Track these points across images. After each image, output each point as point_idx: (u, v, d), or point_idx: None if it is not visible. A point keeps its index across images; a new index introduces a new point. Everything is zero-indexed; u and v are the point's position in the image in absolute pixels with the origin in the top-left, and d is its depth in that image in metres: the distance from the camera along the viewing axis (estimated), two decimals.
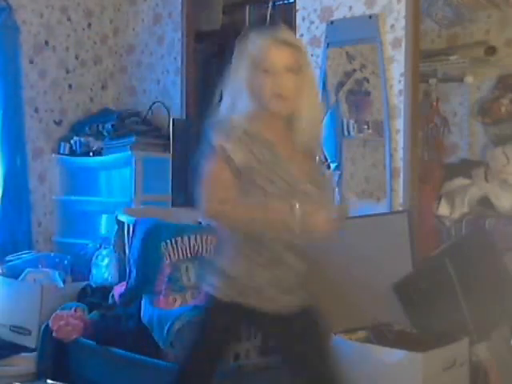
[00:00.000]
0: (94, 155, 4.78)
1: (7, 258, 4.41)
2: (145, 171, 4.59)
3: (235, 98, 2.31)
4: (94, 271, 4.20)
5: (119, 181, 4.75)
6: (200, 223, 3.70)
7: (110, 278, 4.10)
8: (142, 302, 3.48)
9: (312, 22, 4.08)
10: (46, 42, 4.93)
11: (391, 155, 3.72)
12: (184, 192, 4.11)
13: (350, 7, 3.91)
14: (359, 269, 3.44)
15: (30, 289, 4.10)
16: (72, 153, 4.89)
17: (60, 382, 3.63)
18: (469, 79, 4.35)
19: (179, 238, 3.57)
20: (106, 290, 4.02)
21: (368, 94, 3.89)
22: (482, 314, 3.26)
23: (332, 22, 3.94)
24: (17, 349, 3.98)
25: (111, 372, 3.50)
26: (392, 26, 3.75)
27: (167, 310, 3.39)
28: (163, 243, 3.56)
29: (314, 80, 2.45)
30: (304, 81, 2.30)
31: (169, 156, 4.57)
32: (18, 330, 4.07)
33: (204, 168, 2.26)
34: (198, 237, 3.62)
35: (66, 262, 4.39)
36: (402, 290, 3.32)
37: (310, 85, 2.35)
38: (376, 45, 3.76)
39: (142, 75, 5.12)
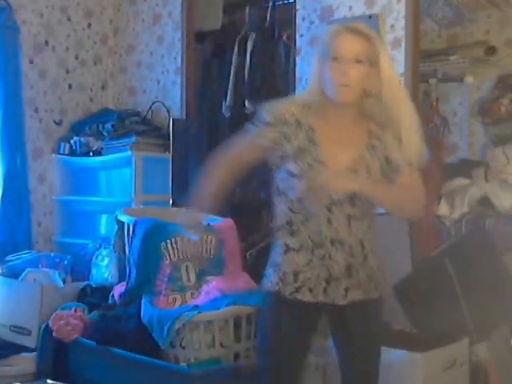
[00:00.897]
0: (93, 155, 4.77)
1: (7, 258, 4.40)
2: (145, 171, 4.58)
3: (309, 82, 2.37)
4: (93, 271, 4.20)
5: (119, 181, 4.74)
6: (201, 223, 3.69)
7: (109, 278, 4.10)
8: (142, 302, 3.48)
9: (312, 22, 4.09)
10: (46, 42, 4.92)
11: None
12: (184, 192, 4.09)
13: (350, 7, 3.92)
14: None
15: (30, 289, 4.10)
16: (72, 153, 4.88)
17: (60, 382, 3.62)
18: (469, 79, 4.35)
19: (179, 238, 3.56)
20: (106, 290, 4.02)
21: None
22: (481, 314, 3.26)
23: (332, 22, 3.94)
24: (17, 349, 3.97)
25: (111, 372, 3.50)
26: (392, 26, 3.75)
27: (167, 309, 3.38)
28: (163, 243, 3.55)
29: (394, 77, 2.31)
30: (379, 77, 2.21)
31: (169, 156, 4.57)
32: (17, 330, 4.06)
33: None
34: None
35: (66, 262, 4.38)
36: (401, 289, 3.32)
37: (390, 83, 2.23)
38: None
39: (141, 75, 5.11)
